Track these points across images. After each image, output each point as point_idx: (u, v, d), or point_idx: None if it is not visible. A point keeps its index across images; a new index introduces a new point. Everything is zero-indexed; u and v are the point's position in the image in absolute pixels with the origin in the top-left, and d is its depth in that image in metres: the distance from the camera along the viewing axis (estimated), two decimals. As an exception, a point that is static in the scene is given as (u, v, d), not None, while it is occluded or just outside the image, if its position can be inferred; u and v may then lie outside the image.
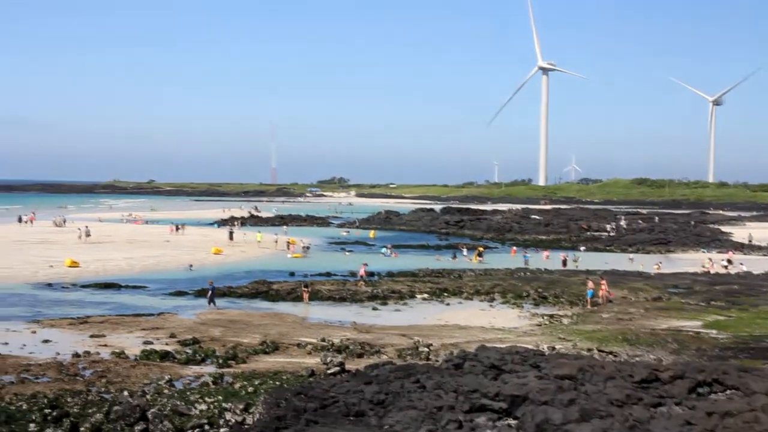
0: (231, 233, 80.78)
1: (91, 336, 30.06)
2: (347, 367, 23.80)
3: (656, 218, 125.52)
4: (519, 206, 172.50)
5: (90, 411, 19.09)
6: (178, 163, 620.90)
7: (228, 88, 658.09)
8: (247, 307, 39.36)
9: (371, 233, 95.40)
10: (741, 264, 63.32)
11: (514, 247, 79.23)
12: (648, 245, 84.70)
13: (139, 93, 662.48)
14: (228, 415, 18.59)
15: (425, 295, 43.95)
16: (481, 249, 71.52)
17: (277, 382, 22.30)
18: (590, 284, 42.44)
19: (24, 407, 19.31)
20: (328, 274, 53.37)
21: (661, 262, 64.86)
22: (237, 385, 22.03)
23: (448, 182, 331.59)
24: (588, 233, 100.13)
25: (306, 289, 41.94)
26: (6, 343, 28.20)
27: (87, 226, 75.05)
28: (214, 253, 64.64)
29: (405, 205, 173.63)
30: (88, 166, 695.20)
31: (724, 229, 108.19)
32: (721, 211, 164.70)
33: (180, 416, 18.70)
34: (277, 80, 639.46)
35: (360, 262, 54.19)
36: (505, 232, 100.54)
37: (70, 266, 51.64)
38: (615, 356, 26.63)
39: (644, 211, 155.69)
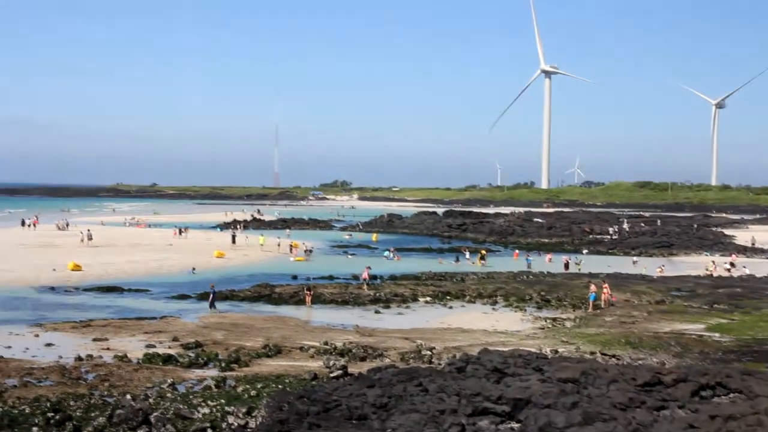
0: (234, 236, 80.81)
1: (94, 339, 30.08)
2: (350, 370, 23.79)
3: (658, 221, 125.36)
4: (521, 209, 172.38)
5: (93, 414, 19.09)
6: (180, 166, 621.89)
7: (230, 91, 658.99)
8: (250, 310, 39.39)
9: (374, 236, 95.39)
10: (744, 267, 63.25)
11: (517, 251, 79.17)
12: (651, 248, 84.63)
13: (141, 94, 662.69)
14: (231, 419, 18.59)
15: (428, 299, 43.95)
16: (483, 252, 71.50)
17: (280, 386, 22.29)
18: (593, 287, 42.41)
19: (27, 411, 19.32)
20: (331, 278, 53.38)
21: (663, 265, 64.83)
22: (240, 389, 22.02)
23: (450, 185, 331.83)
24: (591, 236, 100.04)
25: (309, 293, 41.97)
26: (9, 347, 28.24)
27: (89, 230, 75.08)
28: (216, 256, 64.66)
29: (407, 209, 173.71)
30: (91, 170, 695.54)
31: (727, 232, 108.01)
32: (723, 214, 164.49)
33: (183, 420, 18.70)
34: (279, 83, 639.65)
35: (363, 266, 54.20)
36: (507, 235, 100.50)
37: (73, 270, 51.67)
38: (618, 359, 26.60)
39: (647, 214, 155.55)
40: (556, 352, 27.19)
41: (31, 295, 42.32)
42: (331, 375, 23.30)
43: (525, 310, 40.85)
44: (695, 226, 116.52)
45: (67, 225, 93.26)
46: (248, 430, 18.03)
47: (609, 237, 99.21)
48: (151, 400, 20.47)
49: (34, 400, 20.22)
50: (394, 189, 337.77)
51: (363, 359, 27.17)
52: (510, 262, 68.36)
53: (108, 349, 28.42)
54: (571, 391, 18.29)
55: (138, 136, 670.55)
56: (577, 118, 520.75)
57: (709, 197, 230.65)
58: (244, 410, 18.81)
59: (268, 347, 28.74)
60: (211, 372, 25.08)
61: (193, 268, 55.30)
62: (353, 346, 29.10)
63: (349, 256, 71.90)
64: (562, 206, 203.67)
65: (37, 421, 18.41)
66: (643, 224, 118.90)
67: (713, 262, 66.43)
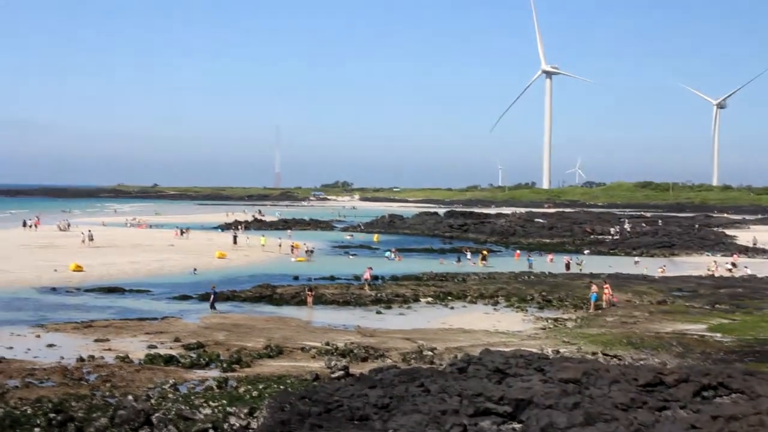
0: (235, 237, 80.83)
1: (96, 340, 30.09)
2: (351, 371, 23.79)
3: (659, 221, 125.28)
4: (523, 210, 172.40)
5: (94, 415, 19.10)
6: (181, 166, 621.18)
7: (231, 92, 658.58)
8: (251, 311, 39.40)
9: (375, 237, 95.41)
10: (745, 267, 63.22)
11: (518, 251, 79.16)
12: (652, 248, 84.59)
13: (144, 97, 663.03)
14: (232, 419, 18.60)
15: (429, 299, 43.95)
16: (485, 252, 71.50)
17: (282, 386, 22.30)
18: (594, 288, 42.39)
19: (29, 412, 19.33)
20: (332, 278, 53.37)
21: (665, 266, 64.81)
22: (241, 389, 22.03)
23: (452, 186, 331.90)
24: (592, 236, 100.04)
25: (310, 293, 41.98)
26: (11, 348, 28.26)
27: (90, 230, 75.12)
28: (218, 257, 64.69)
29: (409, 209, 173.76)
30: (92, 171, 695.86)
31: (729, 232, 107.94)
32: (725, 215, 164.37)
33: (184, 420, 18.71)
34: (281, 83, 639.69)
35: (364, 266, 54.20)
36: (508, 236, 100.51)
37: (74, 270, 51.70)
38: (619, 360, 26.60)
39: (648, 215, 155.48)
40: (558, 352, 27.20)
41: (33, 296, 42.34)
42: (333, 376, 23.30)
43: (526, 311, 40.84)
44: (696, 226, 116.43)
45: (69, 226, 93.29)
46: (250, 430, 18.06)
47: (610, 237, 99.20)
48: (152, 401, 20.47)
49: (35, 401, 20.23)
50: (395, 189, 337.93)
51: (364, 360, 27.17)
52: (511, 263, 68.35)
53: (110, 349, 28.44)
54: (573, 391, 18.29)
55: (139, 136, 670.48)
56: (578, 118, 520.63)
57: (711, 197, 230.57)
58: (245, 411, 18.82)
59: (270, 348, 28.75)
60: (213, 373, 25.09)
61: (195, 269, 55.33)
62: (355, 346, 29.10)
63: (351, 257, 71.91)
64: (563, 206, 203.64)
65: (39, 422, 18.42)
66: (644, 224, 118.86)
67: (715, 262, 66.41)
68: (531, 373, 19.96)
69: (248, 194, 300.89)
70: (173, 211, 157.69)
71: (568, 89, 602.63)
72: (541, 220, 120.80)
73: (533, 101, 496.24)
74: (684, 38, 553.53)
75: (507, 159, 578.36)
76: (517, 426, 17.37)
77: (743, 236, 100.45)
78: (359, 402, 18.81)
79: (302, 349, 29.05)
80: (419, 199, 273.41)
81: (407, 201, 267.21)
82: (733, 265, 65.12)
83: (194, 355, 27.53)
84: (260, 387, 22.19)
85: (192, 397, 21.02)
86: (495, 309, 41.60)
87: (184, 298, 42.83)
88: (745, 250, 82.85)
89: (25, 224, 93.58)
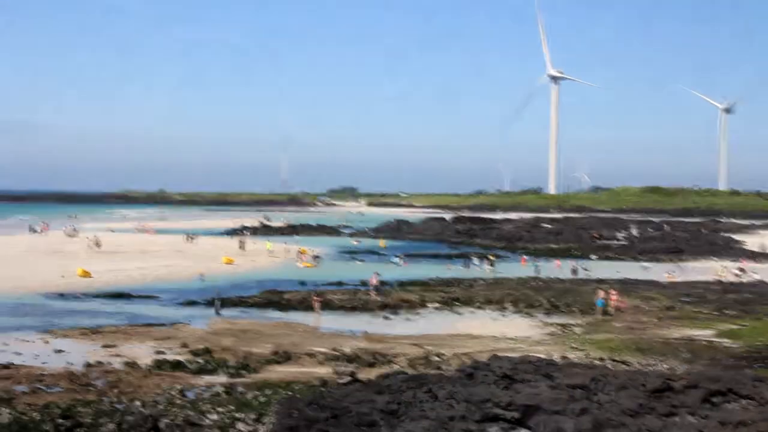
0: (242, 243, 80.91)
1: (104, 346, 30.17)
2: (359, 376, 23.77)
3: (666, 227, 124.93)
4: (529, 215, 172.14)
5: (102, 421, 19.14)
6: (187, 171, 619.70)
7: (237, 96, 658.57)
8: (259, 316, 39.43)
9: (382, 242, 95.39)
10: (754, 272, 63.02)
11: (525, 256, 79.01)
12: (660, 254, 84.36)
13: (147, 99, 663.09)
14: (240, 425, 18.62)
15: (436, 305, 43.90)
16: (492, 258, 71.41)
17: (289, 392, 22.30)
18: (601, 294, 42.33)
19: (37, 417, 19.39)
20: (339, 284, 53.35)
21: (673, 271, 64.62)
22: (249, 395, 22.04)
23: (458, 191, 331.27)
24: (599, 242, 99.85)
25: (317, 299, 41.98)
26: (19, 353, 28.37)
27: (96, 236, 75.29)
28: (225, 262, 64.77)
29: (416, 215, 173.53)
30: (99, 176, 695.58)
31: (737, 237, 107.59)
32: (733, 220, 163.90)
33: (192, 426, 18.74)
34: (287, 88, 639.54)
35: (371, 272, 54.10)
36: (515, 241, 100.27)
37: (82, 276, 51.84)
38: (627, 365, 26.54)
39: (656, 220, 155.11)
40: (566, 358, 27.15)
41: (41, 302, 42.46)
42: (340, 381, 23.29)
43: (534, 316, 40.77)
44: (704, 231, 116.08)
45: (76, 231, 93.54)
46: (258, 436, 18.06)
47: (618, 242, 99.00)
48: (160, 407, 20.51)
49: (44, 407, 20.29)
50: (402, 195, 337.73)
51: (372, 365, 27.17)
52: (518, 268, 68.22)
53: (117, 355, 28.50)
54: (581, 397, 18.24)
55: (144, 142, 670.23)
56: (584, 123, 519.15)
57: (718, 202, 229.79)
58: (253, 417, 18.84)
59: (278, 354, 28.77)
60: (221, 378, 25.12)
61: (202, 275, 55.38)
62: (362, 352, 29.11)
63: (358, 262, 71.90)
64: (570, 212, 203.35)
65: (47, 428, 18.48)
66: (651, 230, 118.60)
67: (725, 267, 66.20)
68: (539, 378, 19.90)
69: (255, 199, 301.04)
70: (180, 217, 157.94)
71: (574, 94, 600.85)
72: (547, 226, 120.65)
73: (539, 107, 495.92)
74: (691, 42, 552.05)
75: (513, 164, 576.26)
76: (525, 432, 17.33)
77: (751, 241, 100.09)
78: (367, 408, 18.79)
79: (310, 354, 29.07)
80: (426, 205, 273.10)
81: (414, 206, 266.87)
82: (742, 270, 64.89)
83: (202, 361, 27.56)
84: (268, 393, 22.20)
85: (199, 403, 21.04)
86: (502, 314, 41.54)
87: (192, 303, 42.88)
88: (753, 256, 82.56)
89: (33, 230, 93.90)
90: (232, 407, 20.35)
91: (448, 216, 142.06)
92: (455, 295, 46.83)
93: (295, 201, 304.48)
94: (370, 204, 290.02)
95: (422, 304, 43.83)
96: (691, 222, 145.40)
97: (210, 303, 41.57)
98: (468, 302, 44.85)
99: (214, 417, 19.47)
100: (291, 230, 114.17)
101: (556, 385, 19.16)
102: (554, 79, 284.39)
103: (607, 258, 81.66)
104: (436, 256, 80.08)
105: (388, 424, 17.90)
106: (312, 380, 24.15)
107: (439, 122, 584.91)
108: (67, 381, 23.90)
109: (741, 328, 35.81)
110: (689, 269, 70.72)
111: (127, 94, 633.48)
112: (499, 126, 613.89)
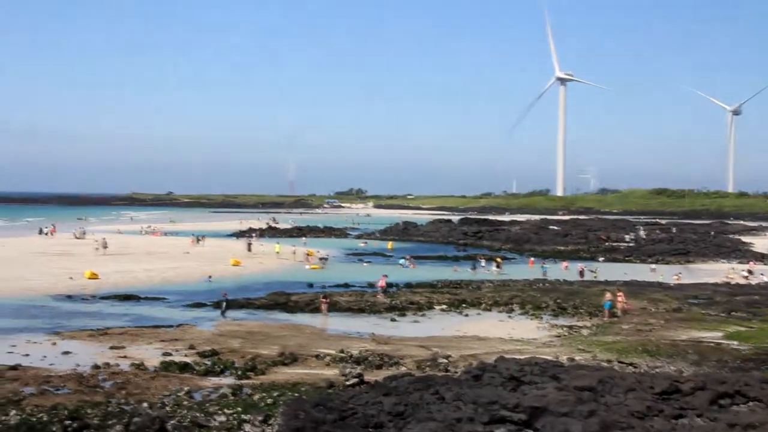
0: (249, 245, 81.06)
1: (111, 348, 30.21)
2: (366, 378, 23.78)
3: (673, 228, 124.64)
4: (537, 217, 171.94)
5: (110, 422, 19.16)
6: (188, 172, 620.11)
7: (244, 97, 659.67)
8: (266, 318, 39.44)
9: (389, 244, 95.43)
10: (762, 274, 62.83)
11: (532, 258, 78.94)
12: (667, 256, 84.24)
13: (150, 102, 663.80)
14: (247, 427, 18.63)
15: (444, 306, 43.88)
16: (499, 260, 71.34)
17: (296, 394, 22.30)
18: (608, 295, 42.25)
19: (44, 419, 19.42)
20: (347, 286, 53.39)
21: (680, 273, 64.47)
22: (256, 397, 22.06)
23: (465, 193, 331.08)
24: (607, 244, 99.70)
25: (324, 301, 41.99)
26: (27, 355, 28.41)
27: (104, 238, 75.48)
28: (232, 264, 64.88)
29: (423, 216, 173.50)
30: (106, 178, 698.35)
31: (745, 239, 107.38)
32: (741, 221, 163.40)
33: (199, 428, 18.76)
34: (293, 89, 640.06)
35: (378, 273, 54.16)
36: (523, 243, 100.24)
37: (89, 278, 51.96)
38: (635, 367, 26.46)
39: (663, 222, 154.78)
40: (573, 360, 27.08)
41: (49, 304, 42.56)
42: (347, 383, 23.30)
43: (541, 318, 40.72)
44: (712, 233, 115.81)
45: (84, 233, 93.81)
46: (264, 438, 18.06)
47: (625, 244, 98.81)
48: (167, 408, 20.53)
49: (51, 408, 20.32)
50: (409, 197, 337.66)
51: (379, 367, 27.16)
52: (526, 270, 68.17)
53: (125, 357, 28.54)
54: (588, 399, 18.19)
55: (144, 142, 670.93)
56: (592, 125, 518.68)
57: (726, 204, 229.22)
58: (260, 418, 18.84)
59: (284, 355, 28.78)
60: (228, 380, 25.14)
61: (210, 277, 55.46)
62: (369, 353, 29.10)
63: (365, 264, 71.94)
64: (578, 214, 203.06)
65: (54, 429, 18.50)
66: (659, 231, 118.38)
67: (733, 269, 65.99)
68: (546, 380, 19.87)
69: (262, 201, 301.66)
70: (188, 219, 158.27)
71: (582, 95, 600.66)
72: (555, 227, 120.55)
73: (547, 108, 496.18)
74: (699, 44, 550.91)
75: (521, 166, 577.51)
76: (532, 434, 17.29)
77: (760, 243, 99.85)
78: (374, 409, 18.79)
79: (317, 356, 29.07)
80: (433, 207, 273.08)
81: (421, 208, 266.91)
82: (750, 272, 64.73)
83: (209, 363, 27.58)
84: (275, 394, 22.21)
85: (207, 405, 21.06)
86: (509, 316, 41.49)
87: (199, 305, 42.92)
88: (761, 258, 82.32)
89: (41, 232, 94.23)
90: (239, 409, 20.36)
91: (455, 218, 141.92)
92: (462, 297, 46.81)
93: (302, 203, 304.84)
94: (378, 206, 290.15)
95: (429, 306, 43.82)
96: (699, 224, 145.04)
97: (217, 305, 41.64)
98: (475, 304, 44.84)
99: (222, 418, 19.49)
100: (298, 232, 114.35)
101: (563, 387, 19.12)
102: (562, 81, 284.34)
103: (615, 260, 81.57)
104: (443, 258, 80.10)
105: (395, 426, 17.89)
106: (319, 382, 24.15)
107: (444, 123, 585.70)
108: (75, 382, 23.93)
109: (749, 330, 35.71)
110: (697, 271, 70.60)
111: (128, 93, 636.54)
112: (506, 128, 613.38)
